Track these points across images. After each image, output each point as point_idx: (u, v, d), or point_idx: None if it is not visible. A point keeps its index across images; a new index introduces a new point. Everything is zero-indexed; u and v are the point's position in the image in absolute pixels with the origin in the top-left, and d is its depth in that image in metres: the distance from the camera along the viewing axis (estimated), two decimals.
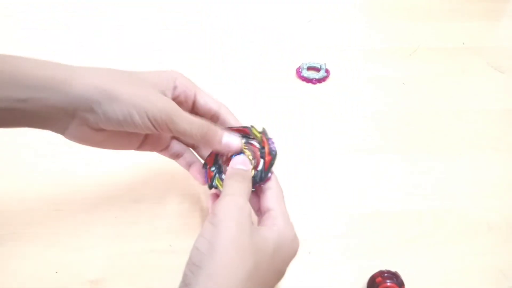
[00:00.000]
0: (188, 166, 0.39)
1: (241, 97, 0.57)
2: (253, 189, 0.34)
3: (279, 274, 0.31)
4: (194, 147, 0.41)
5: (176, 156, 0.40)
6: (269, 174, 0.34)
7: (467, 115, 0.56)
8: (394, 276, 0.37)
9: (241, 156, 0.35)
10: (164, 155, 0.40)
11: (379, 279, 0.37)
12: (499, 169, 0.49)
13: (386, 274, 0.37)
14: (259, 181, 0.34)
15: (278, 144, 0.52)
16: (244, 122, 0.38)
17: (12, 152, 0.48)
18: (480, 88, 0.60)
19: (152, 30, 0.67)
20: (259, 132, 0.36)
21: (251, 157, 0.35)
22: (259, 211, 0.35)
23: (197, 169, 0.39)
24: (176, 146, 0.39)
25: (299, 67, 0.61)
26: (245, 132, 0.37)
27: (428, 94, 0.58)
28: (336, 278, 0.40)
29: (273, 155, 0.35)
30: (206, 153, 0.39)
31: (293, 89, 0.59)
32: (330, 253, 0.41)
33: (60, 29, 0.66)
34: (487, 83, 0.60)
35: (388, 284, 0.37)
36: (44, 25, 0.67)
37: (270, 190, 0.34)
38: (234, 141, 0.35)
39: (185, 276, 0.27)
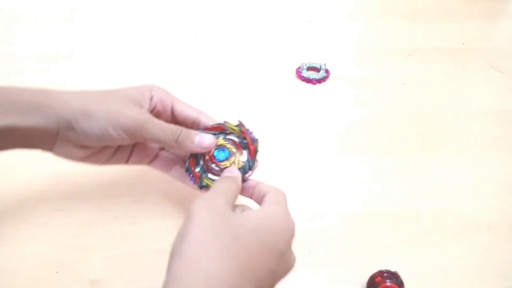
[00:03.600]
0: (182, 177, 0.40)
1: (241, 97, 0.57)
2: (246, 180, 0.36)
3: (274, 252, 0.29)
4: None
5: (167, 168, 0.40)
6: (256, 164, 0.37)
7: (467, 115, 0.56)
8: (393, 276, 0.37)
9: (230, 168, 0.36)
10: (154, 167, 0.40)
11: (378, 279, 0.37)
12: (499, 169, 0.49)
13: (385, 274, 0.37)
14: (248, 170, 0.36)
15: (278, 144, 0.52)
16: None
17: (12, 152, 0.48)
18: (480, 88, 0.60)
19: (151, 30, 0.67)
20: (236, 126, 0.38)
21: (234, 150, 0.37)
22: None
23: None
24: (165, 155, 0.40)
25: (299, 67, 0.61)
26: (221, 129, 0.38)
27: (428, 94, 0.58)
28: (336, 278, 0.40)
29: (256, 143, 0.37)
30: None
31: (293, 89, 0.59)
32: (330, 253, 0.41)
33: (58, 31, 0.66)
34: (487, 83, 0.60)
35: (388, 284, 0.37)
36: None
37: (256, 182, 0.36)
38: (206, 139, 0.36)
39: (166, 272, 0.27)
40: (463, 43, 0.66)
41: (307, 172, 0.48)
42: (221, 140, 0.37)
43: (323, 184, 0.47)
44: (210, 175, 0.37)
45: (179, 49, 0.64)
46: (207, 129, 0.38)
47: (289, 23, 0.70)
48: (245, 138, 0.37)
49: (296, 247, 0.41)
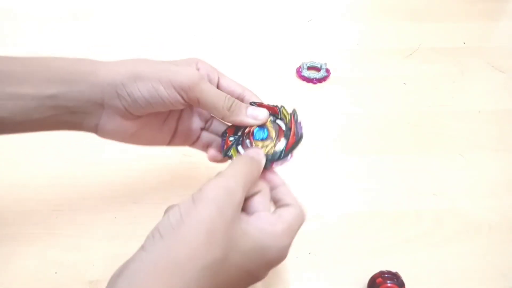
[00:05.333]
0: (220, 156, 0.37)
1: None
2: (269, 168, 0.33)
3: (251, 277, 0.28)
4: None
5: (207, 147, 0.38)
6: (289, 156, 0.33)
7: (467, 115, 0.56)
8: (394, 277, 0.37)
9: (257, 149, 0.33)
10: (196, 147, 0.38)
11: (379, 279, 0.37)
12: (498, 169, 0.49)
13: (386, 275, 0.37)
14: (277, 159, 0.33)
15: None
16: None
17: (11, 152, 0.48)
18: (480, 88, 0.60)
19: (150, 31, 0.67)
20: (289, 114, 0.35)
21: (273, 134, 0.34)
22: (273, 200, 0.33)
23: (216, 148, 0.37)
24: (206, 136, 0.38)
25: (300, 66, 0.61)
26: (274, 111, 0.35)
27: (428, 94, 0.58)
28: (336, 278, 0.40)
29: (297, 137, 0.34)
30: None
31: (293, 89, 0.59)
32: (330, 253, 0.41)
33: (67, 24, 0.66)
34: (487, 83, 0.60)
35: (389, 284, 0.36)
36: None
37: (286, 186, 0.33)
38: (261, 112, 0.34)
39: (146, 238, 0.26)
40: (463, 43, 0.66)
41: (307, 172, 0.48)
42: (268, 121, 0.35)
43: (323, 184, 0.47)
44: (239, 148, 0.34)
45: (179, 48, 0.64)
46: (261, 106, 0.35)
47: (290, 23, 0.70)
48: (290, 129, 0.34)
49: (296, 247, 0.41)
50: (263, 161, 0.32)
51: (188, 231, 0.25)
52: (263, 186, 0.31)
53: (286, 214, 0.30)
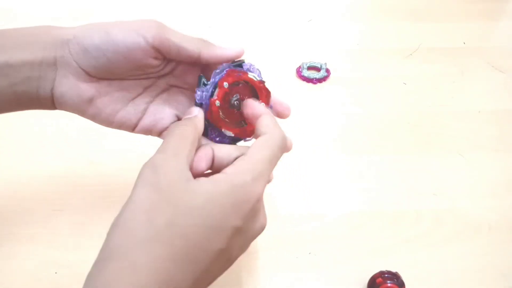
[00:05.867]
0: None
1: None
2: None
3: (223, 230, 0.25)
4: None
5: None
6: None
7: (467, 115, 0.56)
8: (394, 277, 0.37)
9: (190, 109, 0.32)
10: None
11: (379, 279, 0.37)
12: (498, 169, 0.49)
13: (386, 275, 0.37)
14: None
15: None
16: None
17: (11, 152, 0.48)
18: (480, 88, 0.60)
19: None
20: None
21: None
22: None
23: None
24: None
25: (299, 66, 0.61)
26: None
27: (428, 94, 0.58)
28: (336, 278, 0.40)
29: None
30: None
31: (293, 89, 0.59)
32: (330, 253, 0.41)
33: None
34: (487, 83, 0.60)
35: (389, 284, 0.37)
36: None
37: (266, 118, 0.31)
38: (234, 44, 0.32)
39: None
40: (463, 43, 0.66)
41: (307, 172, 0.48)
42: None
43: (323, 184, 0.47)
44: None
45: None
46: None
47: (290, 22, 0.70)
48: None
49: (296, 247, 0.42)
50: (200, 117, 0.31)
51: (126, 218, 0.25)
52: (243, 150, 0.29)
53: (250, 150, 0.28)
